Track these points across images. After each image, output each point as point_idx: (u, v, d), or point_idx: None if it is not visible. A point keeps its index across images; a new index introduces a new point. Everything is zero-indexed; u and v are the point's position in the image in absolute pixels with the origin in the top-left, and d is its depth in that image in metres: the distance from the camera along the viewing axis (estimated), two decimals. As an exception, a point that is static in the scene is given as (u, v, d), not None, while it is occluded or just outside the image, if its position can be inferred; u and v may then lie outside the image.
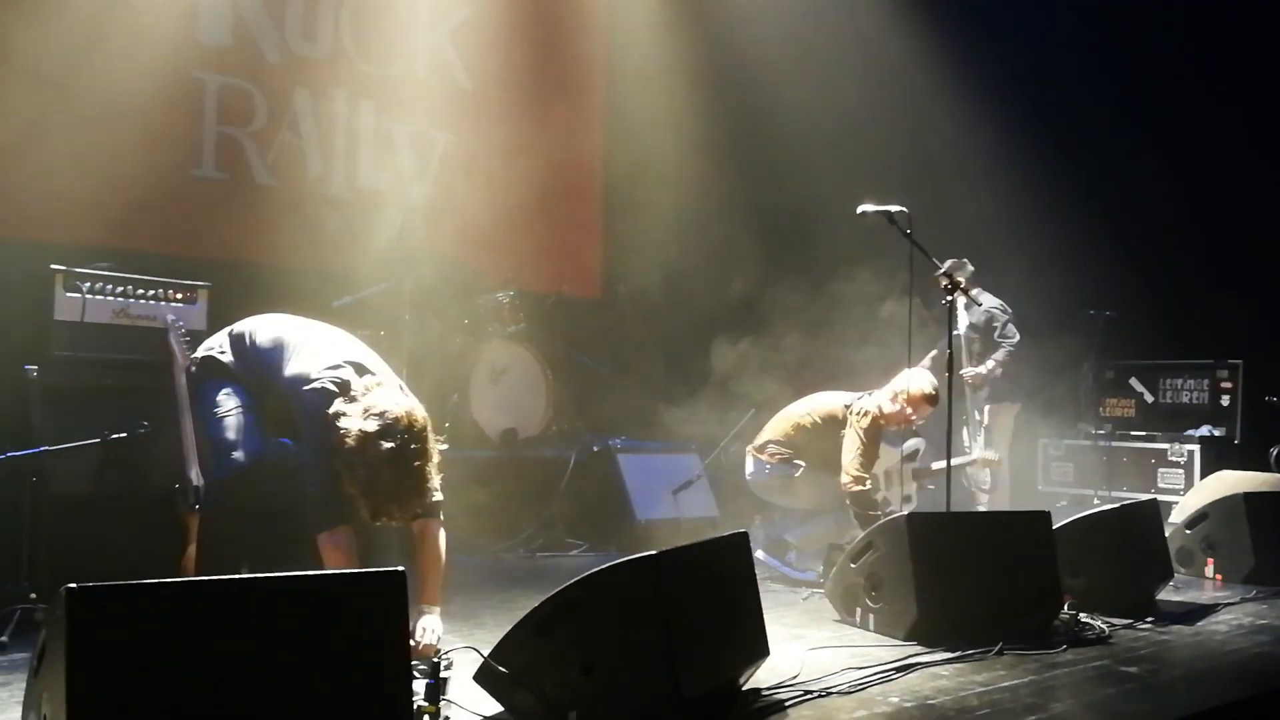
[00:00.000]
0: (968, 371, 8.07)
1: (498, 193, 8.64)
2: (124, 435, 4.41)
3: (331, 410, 3.81)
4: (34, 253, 5.77)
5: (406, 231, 7.42)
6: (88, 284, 4.96)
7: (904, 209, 5.81)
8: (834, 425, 6.23)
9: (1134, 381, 10.20)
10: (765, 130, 9.35)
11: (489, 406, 7.46)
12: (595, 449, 7.52)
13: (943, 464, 5.86)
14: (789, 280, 8.47)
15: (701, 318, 8.54)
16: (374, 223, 7.74)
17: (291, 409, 4.02)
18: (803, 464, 6.23)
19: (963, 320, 8.03)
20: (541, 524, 6.98)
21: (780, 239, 9.33)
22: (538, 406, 7.76)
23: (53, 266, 4.94)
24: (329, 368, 3.97)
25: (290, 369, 4.03)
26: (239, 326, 4.30)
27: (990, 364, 8.28)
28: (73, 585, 2.40)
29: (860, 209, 5.91)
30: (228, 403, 4.13)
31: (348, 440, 3.72)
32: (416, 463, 3.75)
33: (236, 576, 3.26)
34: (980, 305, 8.15)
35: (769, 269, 8.75)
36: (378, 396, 3.82)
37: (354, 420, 3.74)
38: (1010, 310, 8.54)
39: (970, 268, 8.04)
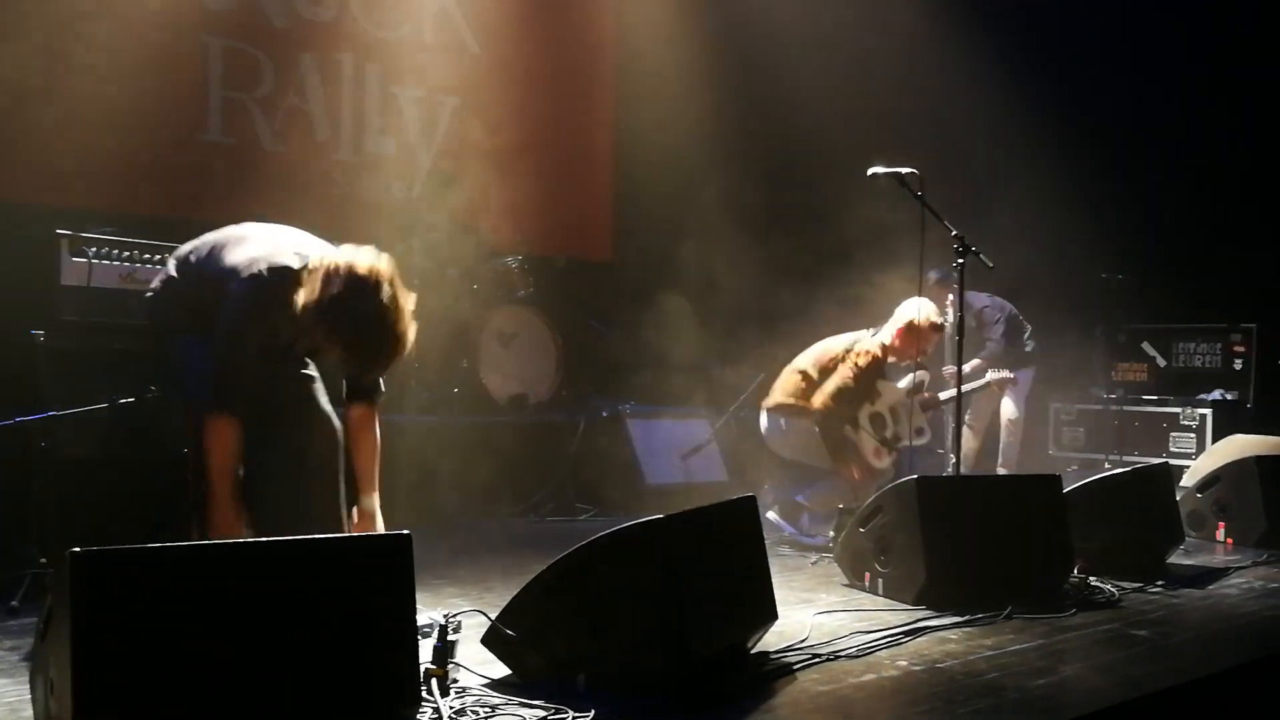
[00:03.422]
0: (948, 370, 7.93)
1: (507, 156, 8.61)
2: (132, 400, 4.41)
3: (289, 292, 3.60)
4: (39, 217, 5.76)
5: (438, 187, 7.42)
6: (94, 248, 4.93)
7: (914, 170, 5.76)
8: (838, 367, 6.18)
9: (1146, 345, 10.14)
10: (779, 91, 9.26)
11: (498, 372, 7.45)
12: (605, 414, 7.52)
13: (951, 393, 5.86)
14: (801, 243, 8.43)
15: (713, 282, 8.51)
16: (382, 188, 7.71)
17: (220, 304, 3.74)
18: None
19: (950, 317, 8.02)
20: (551, 489, 6.99)
21: (793, 200, 9.28)
22: (547, 371, 7.75)
23: (58, 231, 4.92)
24: (270, 253, 3.75)
25: (229, 260, 3.79)
26: (185, 247, 4.04)
27: (976, 361, 8.30)
28: (78, 549, 2.39)
29: (871, 171, 5.87)
30: (189, 356, 3.88)
31: (320, 306, 3.53)
32: (397, 311, 3.60)
33: (242, 540, 3.27)
34: (974, 307, 8.23)
35: (781, 232, 8.70)
36: (334, 258, 3.62)
37: (316, 288, 3.55)
38: (1007, 307, 8.53)
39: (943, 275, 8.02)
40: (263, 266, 3.70)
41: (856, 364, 6.07)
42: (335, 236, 7.49)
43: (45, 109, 6.60)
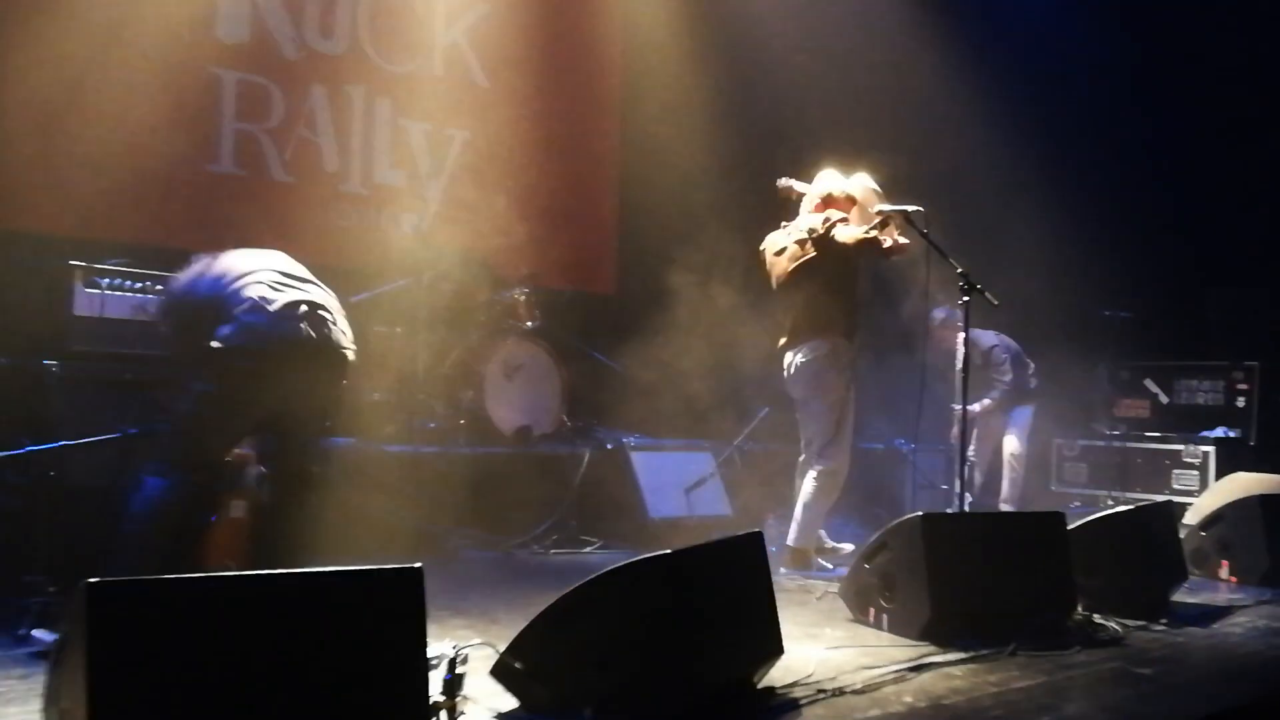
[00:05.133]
0: (956, 408, 7.95)
1: (513, 190, 8.69)
2: (142, 430, 4.44)
3: None
4: (53, 248, 5.81)
5: (429, 231, 7.49)
6: (107, 280, 4.99)
7: (920, 208, 5.81)
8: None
9: (1149, 382, 10.17)
10: (786, 127, 9.32)
11: (503, 403, 7.47)
12: (609, 446, 7.52)
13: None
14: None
15: (717, 315, 8.53)
16: (391, 220, 7.77)
17: None
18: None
19: (958, 356, 8.04)
20: (555, 521, 6.99)
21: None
22: (552, 403, 7.78)
23: (71, 262, 4.97)
24: None
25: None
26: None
27: (986, 401, 8.40)
28: (93, 580, 2.41)
29: (877, 208, 5.94)
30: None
31: None
32: None
33: (256, 572, 3.29)
34: (981, 345, 8.28)
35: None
36: None
37: None
38: (1013, 346, 8.58)
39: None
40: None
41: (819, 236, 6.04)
42: (344, 268, 7.60)
43: (58, 141, 6.67)
